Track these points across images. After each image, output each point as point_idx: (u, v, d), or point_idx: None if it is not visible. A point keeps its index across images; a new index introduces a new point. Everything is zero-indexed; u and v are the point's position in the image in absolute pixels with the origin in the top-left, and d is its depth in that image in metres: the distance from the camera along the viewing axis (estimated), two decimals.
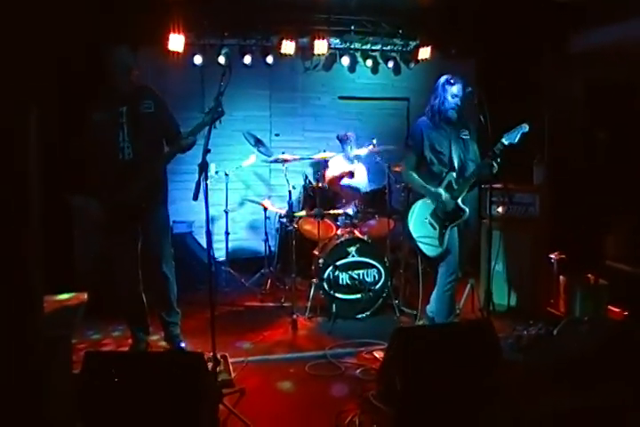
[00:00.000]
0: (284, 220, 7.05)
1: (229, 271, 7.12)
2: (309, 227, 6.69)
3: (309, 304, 6.12)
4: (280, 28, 7.37)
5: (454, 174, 5.02)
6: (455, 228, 5.06)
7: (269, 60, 7.61)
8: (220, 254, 7.32)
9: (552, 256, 5.90)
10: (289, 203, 6.41)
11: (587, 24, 6.80)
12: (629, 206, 5.79)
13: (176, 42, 6.85)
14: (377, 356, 4.95)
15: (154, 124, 4.71)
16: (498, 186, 5.77)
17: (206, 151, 4.06)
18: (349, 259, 6.08)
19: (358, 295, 6.05)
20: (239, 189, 8.22)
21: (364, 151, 6.76)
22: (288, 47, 7.35)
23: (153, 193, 4.77)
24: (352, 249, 6.08)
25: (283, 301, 6.48)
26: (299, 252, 6.24)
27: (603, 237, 6.01)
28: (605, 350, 4.32)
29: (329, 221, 6.54)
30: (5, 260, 2.87)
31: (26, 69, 3.03)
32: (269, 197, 7.84)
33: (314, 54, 7.64)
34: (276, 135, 7.81)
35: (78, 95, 5.77)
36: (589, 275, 5.72)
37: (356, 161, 7.35)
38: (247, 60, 7.49)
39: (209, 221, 4.04)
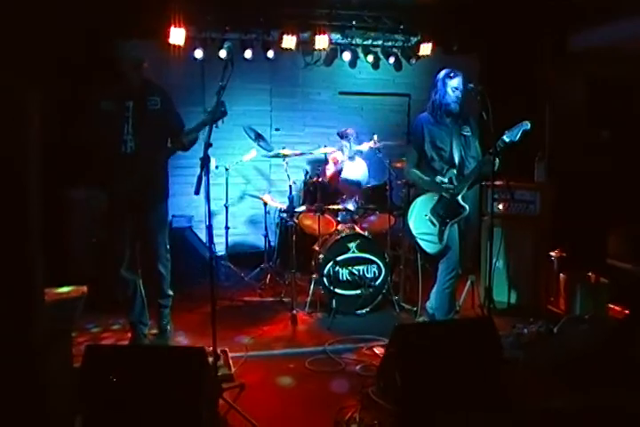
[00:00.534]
0: (285, 215, 7.03)
1: (229, 266, 7.12)
2: (310, 222, 6.67)
3: (309, 299, 6.12)
4: (281, 23, 7.36)
5: (455, 171, 5.02)
6: (455, 225, 5.06)
7: (270, 54, 7.61)
8: (219, 249, 7.30)
9: (552, 254, 5.89)
10: (289, 198, 6.40)
11: (588, 22, 6.79)
12: (630, 204, 5.79)
13: (177, 35, 6.83)
14: (377, 352, 4.94)
15: (159, 121, 4.74)
16: (499, 183, 5.76)
17: (208, 145, 4.05)
18: (349, 254, 6.07)
19: (358, 291, 6.04)
20: (239, 183, 8.21)
21: (364, 147, 6.75)
22: (289, 42, 7.34)
23: (153, 188, 4.82)
24: (352, 245, 6.07)
25: (282, 296, 6.47)
26: (299, 247, 6.24)
27: (603, 235, 6.00)
28: (606, 348, 4.31)
29: (329, 217, 6.53)
30: (6, 253, 2.86)
31: (26, 58, 3.02)
32: (269, 192, 7.84)
33: (315, 49, 7.65)
34: (277, 130, 7.80)
35: (77, 87, 5.79)
36: (590, 273, 5.72)
37: (356, 157, 7.34)
38: (248, 54, 7.48)
39: (210, 215, 4.02)
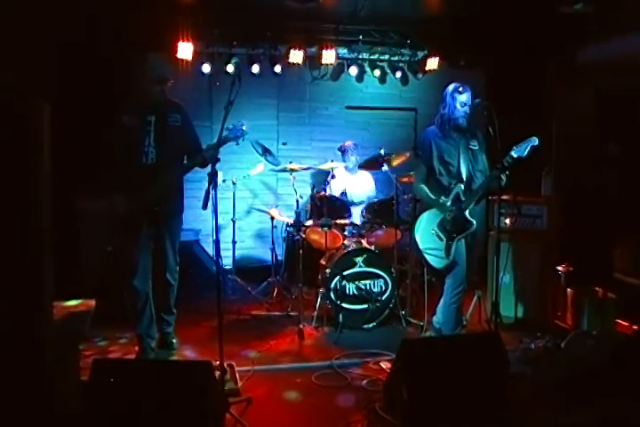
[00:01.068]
0: (292, 229, 7.03)
1: (236, 280, 7.11)
2: (316, 236, 6.67)
3: (316, 314, 6.11)
4: (288, 38, 7.42)
5: (462, 186, 5.02)
6: (462, 240, 5.06)
7: (277, 69, 7.67)
8: (226, 263, 7.30)
9: (560, 268, 5.87)
10: (296, 212, 6.41)
11: (595, 35, 6.80)
12: (638, 219, 5.77)
13: (185, 50, 6.89)
14: (383, 366, 4.92)
15: (178, 136, 4.91)
16: (506, 198, 5.75)
17: (215, 160, 4.11)
18: (356, 269, 6.06)
19: (365, 305, 6.03)
20: (246, 197, 8.25)
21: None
22: (296, 57, 7.40)
23: (170, 201, 4.97)
24: (359, 259, 6.07)
25: (289, 310, 6.46)
26: (305, 261, 6.23)
27: (611, 249, 5.98)
28: (613, 364, 4.30)
29: (336, 231, 6.52)
30: (16, 267, 2.88)
31: (37, 71, 3.06)
32: (276, 206, 7.85)
33: (322, 64, 7.70)
34: (284, 144, 7.82)
35: (91, 100, 5.88)
36: (597, 288, 5.69)
37: (360, 171, 7.39)
38: (255, 69, 7.54)
39: (218, 229, 4.04)
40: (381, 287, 6.10)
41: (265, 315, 6.52)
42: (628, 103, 6.33)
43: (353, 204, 6.92)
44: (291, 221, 6.89)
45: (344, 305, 6.00)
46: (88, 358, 4.52)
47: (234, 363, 4.84)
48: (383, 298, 6.08)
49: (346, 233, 6.55)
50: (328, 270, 6.04)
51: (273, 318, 6.43)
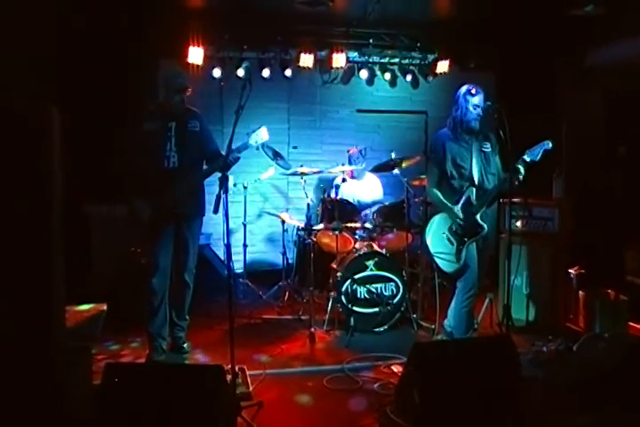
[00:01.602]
0: (303, 233, 7.03)
1: (247, 284, 7.12)
2: (327, 240, 6.68)
3: (327, 317, 6.11)
4: (299, 42, 7.43)
5: (474, 190, 5.00)
6: (473, 243, 5.05)
7: (288, 73, 7.68)
8: (237, 267, 7.31)
9: (571, 271, 5.84)
10: (307, 216, 6.42)
11: (605, 37, 6.78)
12: None
13: (195, 55, 6.92)
14: (395, 370, 4.91)
15: (198, 142, 5.06)
16: (517, 200, 5.74)
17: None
18: (367, 272, 6.06)
19: (376, 309, 6.02)
20: (257, 201, 8.25)
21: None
22: (307, 60, 7.41)
23: (193, 202, 5.08)
24: (370, 263, 6.06)
25: (300, 314, 6.46)
26: (316, 265, 6.22)
27: (623, 251, 5.96)
28: (626, 366, 4.28)
29: (347, 235, 6.52)
30: (28, 272, 2.89)
31: (48, 79, 3.07)
32: (287, 210, 7.85)
33: (332, 67, 7.71)
34: (294, 148, 7.83)
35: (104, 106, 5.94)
36: (609, 290, 5.66)
37: (366, 174, 7.40)
38: (266, 73, 7.56)
39: (229, 233, 4.05)
40: (392, 291, 6.09)
41: (276, 319, 6.53)
42: (637, 105, 6.31)
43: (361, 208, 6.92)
44: (301, 224, 6.89)
45: (355, 309, 5.99)
46: (100, 362, 4.55)
47: (245, 367, 4.83)
48: (394, 301, 6.07)
49: (357, 236, 6.55)
50: (339, 274, 6.04)
51: (284, 321, 6.43)
